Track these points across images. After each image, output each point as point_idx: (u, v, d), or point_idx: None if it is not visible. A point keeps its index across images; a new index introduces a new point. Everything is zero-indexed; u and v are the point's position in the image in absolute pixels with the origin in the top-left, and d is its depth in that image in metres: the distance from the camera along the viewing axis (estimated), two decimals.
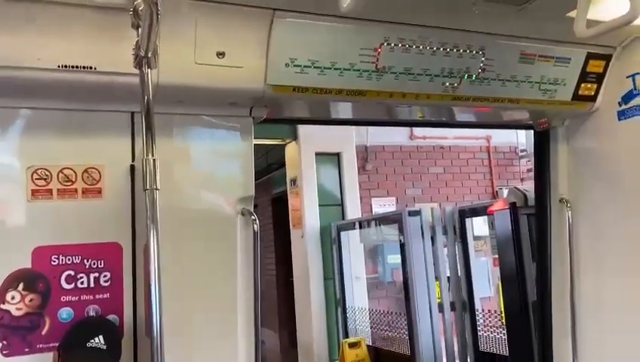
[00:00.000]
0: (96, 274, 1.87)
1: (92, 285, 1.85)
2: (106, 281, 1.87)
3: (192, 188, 2.04)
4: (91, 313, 1.85)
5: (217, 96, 1.96)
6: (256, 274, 2.04)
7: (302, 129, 6.32)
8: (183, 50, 1.81)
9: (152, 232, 1.48)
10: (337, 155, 6.64)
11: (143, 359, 1.85)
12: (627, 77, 2.35)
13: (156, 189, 1.50)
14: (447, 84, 2.19)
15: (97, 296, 1.86)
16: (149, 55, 1.51)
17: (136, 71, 1.55)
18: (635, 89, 2.32)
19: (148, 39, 1.44)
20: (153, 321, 1.45)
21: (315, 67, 1.96)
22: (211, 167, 2.10)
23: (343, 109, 2.48)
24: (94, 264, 1.87)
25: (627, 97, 2.36)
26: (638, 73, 2.32)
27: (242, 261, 2.04)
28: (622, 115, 2.39)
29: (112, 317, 1.87)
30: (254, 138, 2.17)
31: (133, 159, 1.92)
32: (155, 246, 1.47)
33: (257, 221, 2.04)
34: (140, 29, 1.50)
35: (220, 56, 1.84)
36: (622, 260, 2.45)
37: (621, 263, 2.46)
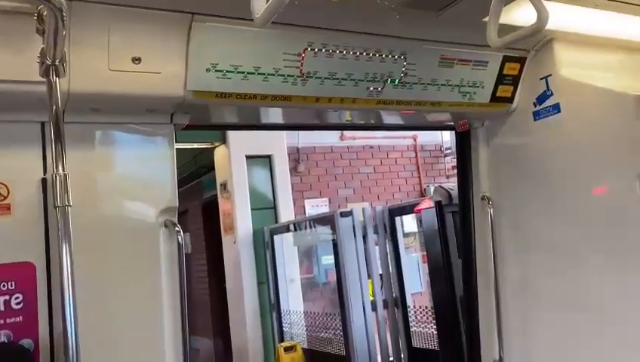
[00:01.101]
0: (7, 297, 1.73)
1: (2, 308, 1.72)
2: (17, 304, 1.74)
3: (111, 201, 1.93)
4: (2, 339, 1.71)
5: (135, 103, 1.87)
6: (182, 287, 1.97)
7: (231, 132, 6.21)
8: (96, 57, 1.72)
9: (64, 251, 1.39)
10: (268, 158, 6.58)
11: None
12: (541, 79, 2.47)
13: (68, 206, 1.41)
14: (372, 88, 2.21)
15: (8, 321, 1.73)
16: (57, 62, 1.42)
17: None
18: (548, 90, 2.44)
19: (54, 46, 1.35)
20: (68, 344, 1.36)
21: (237, 72, 1.92)
22: (131, 177, 2.00)
23: (272, 114, 2.45)
24: (4, 286, 1.73)
25: (541, 98, 2.47)
26: (550, 75, 2.44)
27: (167, 274, 1.96)
28: (537, 115, 2.51)
29: (26, 342, 1.74)
30: (181, 141, 2.09)
31: (44, 172, 1.80)
32: (68, 266, 1.38)
33: (182, 233, 1.97)
34: (45, 35, 1.40)
35: (136, 62, 1.76)
36: (542, 253, 2.57)
37: (541, 256, 2.58)
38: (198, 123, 2.29)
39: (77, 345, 1.39)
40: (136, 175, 2.01)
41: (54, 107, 1.47)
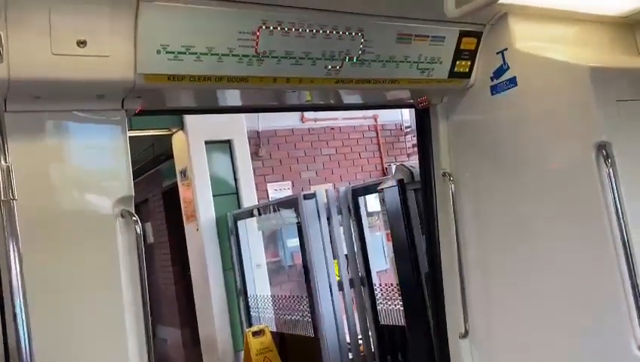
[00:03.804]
0: None
1: None
2: None
3: (62, 193, 1.84)
4: None
5: (82, 89, 1.78)
6: (143, 278, 1.90)
7: (189, 117, 6.07)
8: (37, 40, 1.62)
9: (11, 248, 1.31)
10: (228, 143, 6.47)
11: None
12: (497, 53, 2.48)
13: (13, 200, 1.33)
14: (330, 67, 2.17)
15: None
16: None
17: None
18: (505, 64, 2.46)
19: None
20: (22, 349, 1.30)
21: (190, 53, 1.85)
22: (83, 167, 1.91)
23: (229, 96, 2.39)
24: None
25: (498, 72, 2.49)
26: (506, 49, 2.45)
27: (126, 266, 1.89)
28: (494, 89, 2.53)
29: None
30: (137, 129, 2.02)
31: None
32: (17, 265, 1.30)
33: (139, 222, 1.90)
34: None
35: (81, 45, 1.67)
36: (502, 227, 2.61)
37: (501, 230, 2.62)
38: (152, 108, 2.21)
39: (30, 349, 1.32)
40: (88, 165, 1.92)
41: None
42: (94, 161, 1.93)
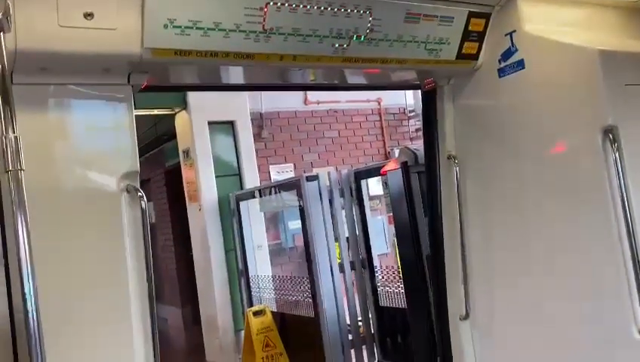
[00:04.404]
0: None
1: None
2: None
3: (68, 166, 1.84)
4: None
5: (88, 61, 1.77)
6: (147, 253, 1.91)
7: (192, 97, 6.05)
8: (44, 12, 1.61)
9: (19, 218, 1.31)
10: (231, 123, 6.46)
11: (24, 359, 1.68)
12: (505, 35, 2.45)
13: (20, 170, 1.33)
14: (337, 45, 2.15)
15: None
16: (0, 16, 1.31)
17: None
18: (513, 46, 2.44)
19: None
20: (29, 320, 1.31)
21: (197, 28, 1.83)
22: (89, 141, 1.90)
23: (234, 74, 2.37)
24: None
25: (506, 55, 2.47)
26: (514, 31, 2.43)
27: (131, 241, 1.90)
28: (502, 72, 2.51)
29: None
30: (140, 108, 2.00)
31: None
32: (25, 235, 1.31)
33: (145, 198, 1.90)
34: None
35: (89, 18, 1.66)
36: (505, 210, 2.61)
37: (505, 214, 2.62)
38: (158, 84, 2.20)
39: (39, 321, 1.33)
40: (94, 139, 1.92)
41: (0, 66, 1.36)
42: (100, 136, 1.93)
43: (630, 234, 2.08)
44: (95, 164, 1.89)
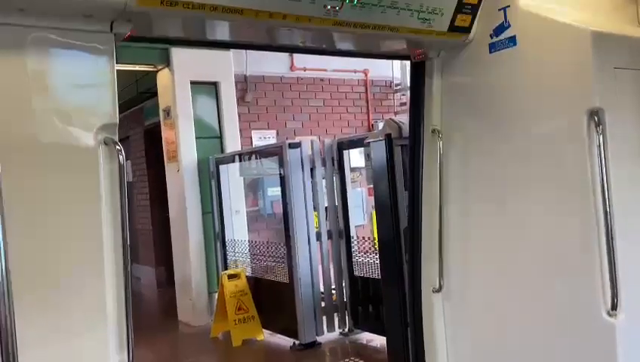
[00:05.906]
0: None
1: None
2: None
3: (44, 115, 1.77)
4: None
5: (69, 5, 1.69)
6: (123, 208, 1.87)
7: (175, 55, 5.90)
8: None
9: None
10: (215, 85, 6.33)
11: None
12: (499, 10, 2.42)
13: None
14: (329, 7, 2.10)
15: None
16: None
17: None
18: (506, 21, 2.41)
19: None
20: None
21: None
22: (67, 90, 1.83)
23: (220, 30, 2.30)
24: None
25: (498, 30, 2.44)
26: (508, 6, 2.40)
27: (107, 196, 1.85)
28: (493, 47, 2.48)
29: None
30: (122, 63, 1.92)
31: None
32: None
33: (122, 151, 1.85)
34: None
35: None
36: (486, 188, 2.63)
37: (485, 191, 2.63)
38: (141, 35, 2.12)
39: (7, 273, 1.29)
40: (72, 87, 1.85)
41: None
42: (80, 85, 1.86)
43: (606, 215, 2.11)
44: (73, 114, 1.83)
